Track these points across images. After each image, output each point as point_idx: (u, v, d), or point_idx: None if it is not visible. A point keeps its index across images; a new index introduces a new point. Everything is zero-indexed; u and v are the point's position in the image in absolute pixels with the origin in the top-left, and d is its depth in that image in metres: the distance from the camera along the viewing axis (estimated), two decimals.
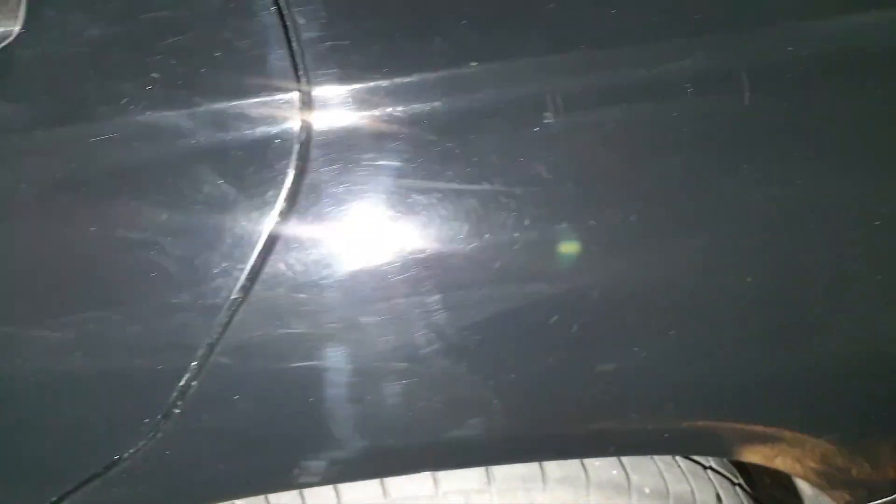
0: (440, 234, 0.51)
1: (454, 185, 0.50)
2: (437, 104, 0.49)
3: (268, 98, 0.49)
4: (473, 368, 0.55)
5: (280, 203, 0.50)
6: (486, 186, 0.50)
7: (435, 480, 0.72)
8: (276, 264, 0.51)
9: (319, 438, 0.58)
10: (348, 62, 0.49)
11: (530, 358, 0.55)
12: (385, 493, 0.72)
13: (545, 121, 0.50)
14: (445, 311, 0.53)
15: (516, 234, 0.51)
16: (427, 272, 0.52)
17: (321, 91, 0.49)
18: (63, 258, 0.51)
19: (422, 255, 0.51)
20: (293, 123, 0.49)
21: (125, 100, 0.48)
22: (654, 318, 0.54)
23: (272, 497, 0.73)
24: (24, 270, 0.51)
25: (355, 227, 0.51)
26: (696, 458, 0.82)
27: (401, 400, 0.56)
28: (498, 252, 0.51)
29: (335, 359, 0.54)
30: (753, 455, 0.69)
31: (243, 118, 0.49)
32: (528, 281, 0.53)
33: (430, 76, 0.49)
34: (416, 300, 0.53)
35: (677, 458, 0.81)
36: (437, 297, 0.53)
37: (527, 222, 0.51)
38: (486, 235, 0.51)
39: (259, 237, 0.51)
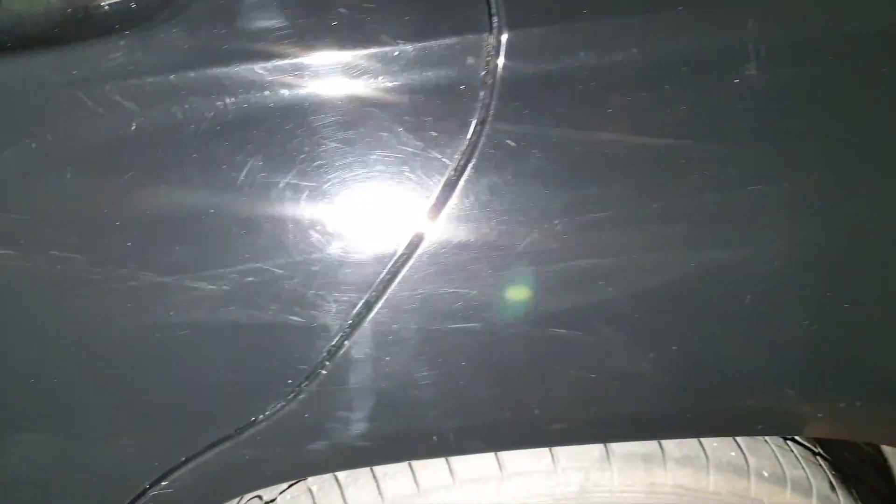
0: (621, 194, 0.48)
1: (644, 140, 0.47)
2: (634, 51, 0.46)
3: (456, 40, 0.46)
4: (636, 338, 0.53)
5: (457, 155, 0.47)
6: (677, 142, 0.47)
7: (553, 456, 0.70)
8: (448, 219, 0.48)
9: (464, 405, 0.55)
10: (544, 3, 0.46)
11: (698, 329, 0.52)
12: (500, 466, 0.70)
13: (747, 73, 0.47)
14: (614, 277, 0.50)
15: (704, 196, 0.48)
16: (601, 234, 0.49)
17: (513, 34, 0.46)
18: (225, 203, 0.48)
19: (599, 216, 0.49)
20: (480, 69, 0.46)
21: (307, 35, 0.45)
22: (834, 289, 0.52)
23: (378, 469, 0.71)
24: (195, 215, 0.48)
25: (535, 183, 0.48)
26: (805, 442, 0.80)
27: (557, 369, 0.54)
28: (682, 214, 0.49)
29: (495, 322, 0.52)
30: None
31: (428, 61, 0.46)
32: (708, 246, 0.50)
33: (630, 21, 0.46)
34: (587, 263, 0.50)
35: (789, 441, 0.79)
36: (607, 260, 0.50)
37: (716, 183, 0.48)
38: (672, 195, 0.48)
39: (432, 190, 0.48)
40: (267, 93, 0.46)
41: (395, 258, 0.49)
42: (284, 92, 0.46)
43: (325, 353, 0.52)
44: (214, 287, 0.49)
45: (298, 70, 0.46)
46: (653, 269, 0.50)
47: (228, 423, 0.56)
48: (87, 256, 0.48)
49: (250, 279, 0.49)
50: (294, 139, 0.46)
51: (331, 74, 0.46)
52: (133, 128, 0.46)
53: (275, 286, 0.50)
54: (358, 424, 0.57)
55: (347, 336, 0.52)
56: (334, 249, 0.49)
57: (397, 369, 0.53)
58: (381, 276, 0.50)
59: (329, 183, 0.48)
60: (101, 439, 0.58)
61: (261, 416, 0.55)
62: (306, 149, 0.46)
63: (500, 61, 0.46)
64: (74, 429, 0.57)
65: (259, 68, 0.45)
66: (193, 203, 0.48)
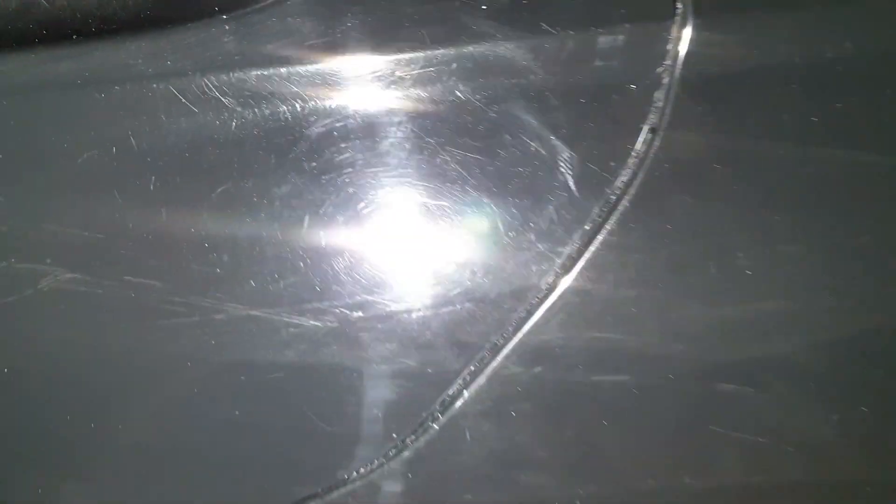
0: (822, 222, 0.39)
1: (855, 155, 0.38)
2: (847, 46, 0.38)
3: (629, 29, 0.38)
4: (818, 398, 0.43)
5: (622, 169, 0.39)
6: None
7: None
8: (604, 249, 0.40)
9: (601, 471, 0.46)
10: None
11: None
12: None
13: None
14: (800, 322, 0.41)
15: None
16: (791, 270, 0.40)
17: (700, 24, 0.38)
18: (335, 225, 0.40)
19: (791, 249, 0.40)
20: (656, 65, 0.38)
21: (439, 24, 0.37)
22: None
23: None
24: (297, 238, 0.40)
25: (715, 207, 0.39)
26: None
27: (719, 431, 0.44)
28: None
29: (649, 375, 0.43)
30: None
31: (593, 54, 0.38)
32: None
33: (841, 12, 0.38)
34: (770, 306, 0.41)
35: None
36: (795, 303, 0.41)
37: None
38: (885, 225, 0.39)
39: (586, 213, 0.39)
40: (390, 92, 0.38)
41: (534, 294, 0.41)
42: (412, 91, 0.38)
43: (437, 405, 0.44)
44: (317, 324, 0.41)
45: (429, 65, 0.38)
46: (848, 315, 0.41)
47: (315, 480, 0.48)
48: (166, 283, 0.41)
49: (358, 315, 0.41)
50: (421, 148, 0.38)
51: (470, 69, 0.38)
52: (232, 129, 0.38)
53: (386, 323, 0.41)
54: (468, 490, 0.48)
55: (467, 385, 0.43)
56: (460, 282, 0.41)
57: (524, 427, 0.44)
58: (514, 316, 0.41)
59: (459, 201, 0.39)
60: (166, 491, 0.50)
61: (354, 475, 0.47)
62: (436, 160, 0.38)
63: (682, 56, 0.38)
64: (136, 477, 0.49)
65: (383, 62, 0.37)
66: (297, 223, 0.40)
